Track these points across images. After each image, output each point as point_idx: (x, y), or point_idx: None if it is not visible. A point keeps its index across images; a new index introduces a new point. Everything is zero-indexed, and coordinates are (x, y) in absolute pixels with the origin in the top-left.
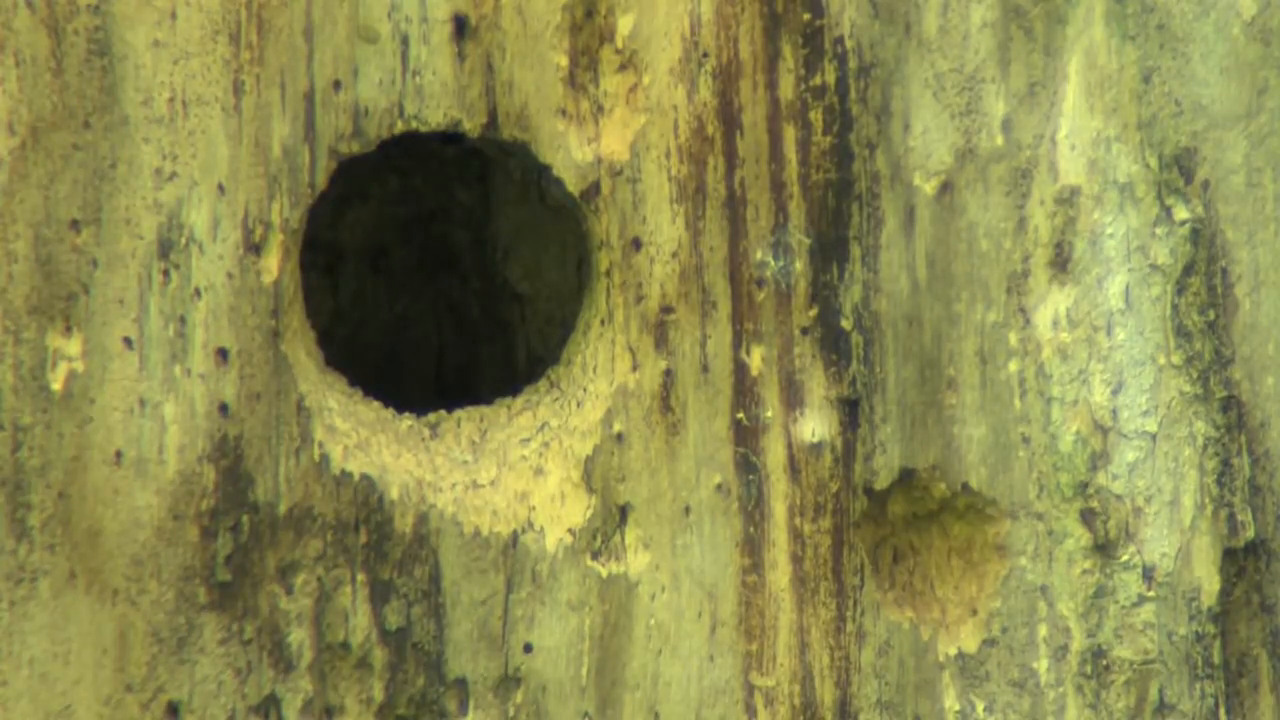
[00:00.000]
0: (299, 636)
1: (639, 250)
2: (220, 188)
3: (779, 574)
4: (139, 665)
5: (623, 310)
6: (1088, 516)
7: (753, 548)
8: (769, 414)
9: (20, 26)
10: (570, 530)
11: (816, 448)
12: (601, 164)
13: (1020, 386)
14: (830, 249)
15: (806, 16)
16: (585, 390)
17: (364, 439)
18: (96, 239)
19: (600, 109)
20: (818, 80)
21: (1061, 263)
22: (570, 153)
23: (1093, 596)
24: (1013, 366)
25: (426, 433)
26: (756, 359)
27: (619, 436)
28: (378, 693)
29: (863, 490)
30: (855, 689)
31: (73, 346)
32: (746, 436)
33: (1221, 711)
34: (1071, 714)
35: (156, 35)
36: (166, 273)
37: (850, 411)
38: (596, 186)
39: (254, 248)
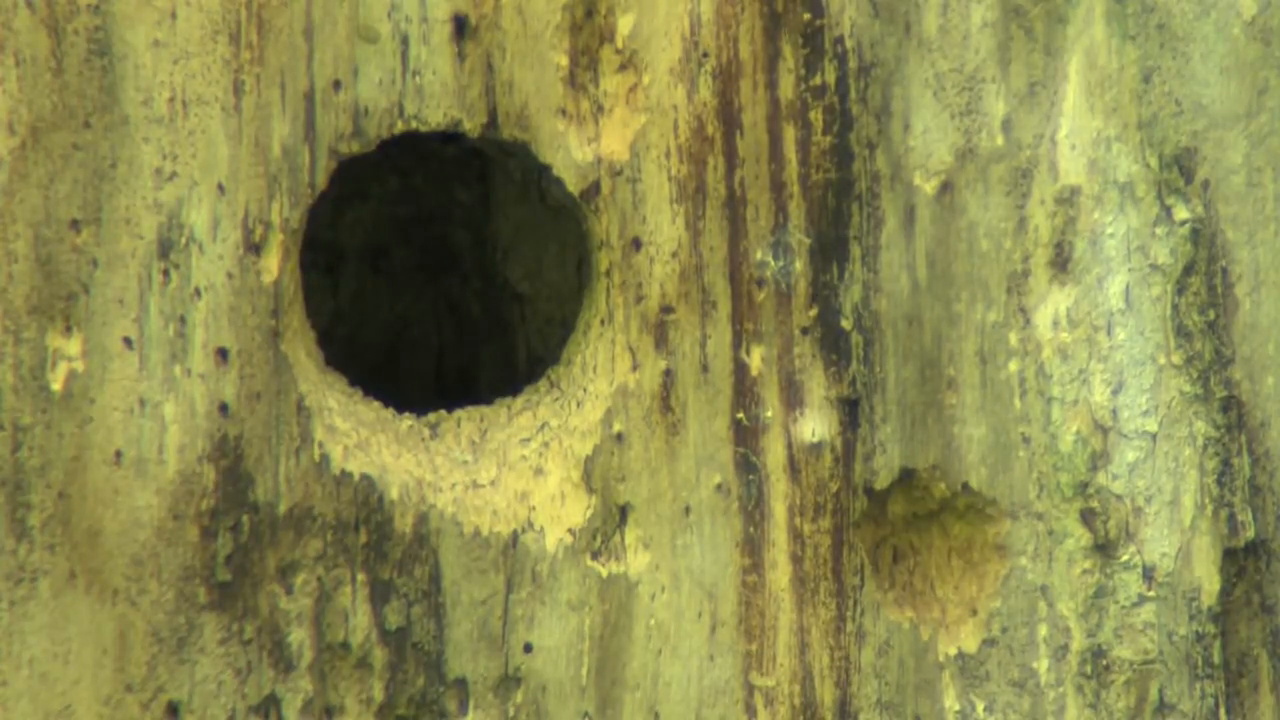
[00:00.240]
0: (299, 636)
1: (639, 250)
2: (220, 188)
3: (779, 574)
4: (139, 665)
5: (623, 310)
6: (1088, 516)
7: (753, 548)
8: (769, 414)
9: (20, 26)
10: (570, 530)
11: (816, 448)
12: (601, 164)
13: (1020, 386)
14: (830, 249)
15: (806, 16)
16: (585, 390)
17: (364, 439)
18: (96, 239)
19: (600, 109)
20: (818, 80)
21: (1062, 262)
22: (570, 153)
23: (1093, 596)
24: (1013, 366)
25: (426, 433)
26: (756, 359)
27: (619, 436)
28: (378, 693)
29: (863, 490)
30: (855, 689)
31: (73, 346)
32: (746, 436)
33: (1221, 711)
34: (1071, 714)
35: (156, 35)
36: (166, 273)
37: (850, 411)
38: (596, 186)
39: (254, 248)
